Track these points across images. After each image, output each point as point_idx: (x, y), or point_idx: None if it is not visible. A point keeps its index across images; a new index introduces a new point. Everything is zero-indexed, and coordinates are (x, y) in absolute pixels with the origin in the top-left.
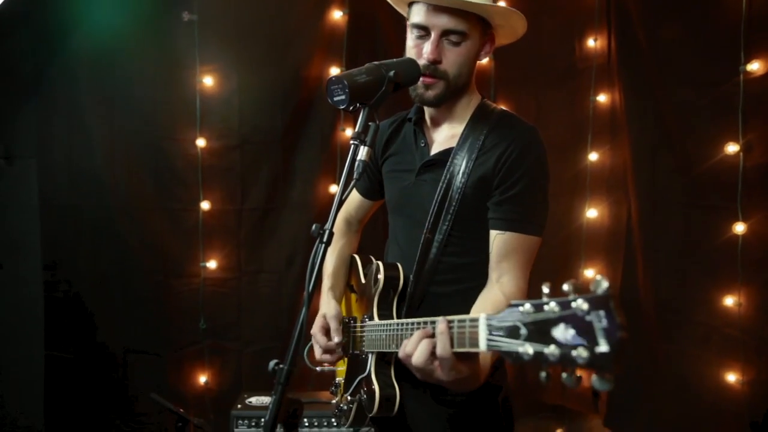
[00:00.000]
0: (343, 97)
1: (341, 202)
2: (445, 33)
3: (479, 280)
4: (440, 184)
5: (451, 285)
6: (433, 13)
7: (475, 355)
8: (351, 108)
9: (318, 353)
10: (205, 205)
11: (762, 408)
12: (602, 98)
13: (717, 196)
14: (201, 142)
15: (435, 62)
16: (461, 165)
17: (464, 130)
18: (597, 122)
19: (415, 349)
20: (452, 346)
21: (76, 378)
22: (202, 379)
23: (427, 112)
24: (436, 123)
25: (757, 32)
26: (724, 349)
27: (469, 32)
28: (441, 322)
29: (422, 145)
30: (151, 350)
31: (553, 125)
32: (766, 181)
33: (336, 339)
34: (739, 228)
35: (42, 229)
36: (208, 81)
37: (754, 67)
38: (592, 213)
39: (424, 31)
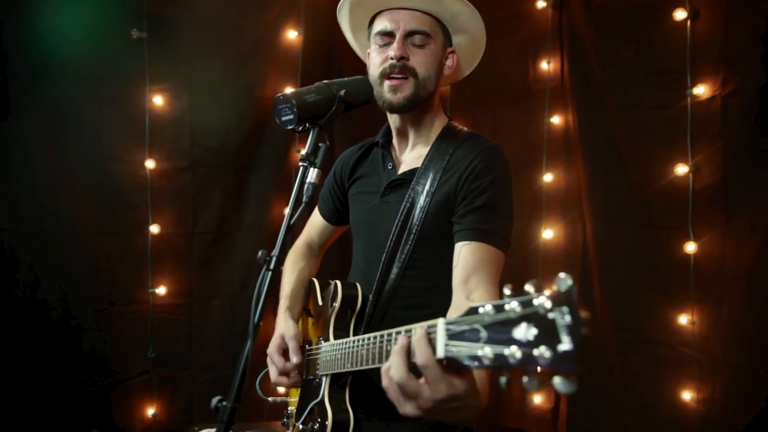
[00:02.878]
0: (291, 116)
1: (289, 227)
2: (408, 34)
3: (439, 307)
4: (403, 203)
5: (411, 310)
6: (396, 17)
7: (465, 368)
8: (300, 128)
9: (273, 375)
10: (154, 229)
11: (717, 426)
12: (556, 120)
13: (669, 216)
14: (150, 164)
15: (402, 58)
16: (425, 184)
17: (430, 150)
18: (551, 143)
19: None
20: (411, 355)
21: (8, 415)
22: (150, 411)
23: (395, 131)
24: (404, 144)
25: (701, 58)
26: (680, 367)
27: (432, 34)
28: (418, 329)
29: (389, 167)
30: (95, 382)
31: (509, 146)
32: (714, 201)
33: (294, 360)
34: (691, 247)
35: None
36: (158, 100)
37: (700, 91)
38: (548, 234)
39: (388, 37)
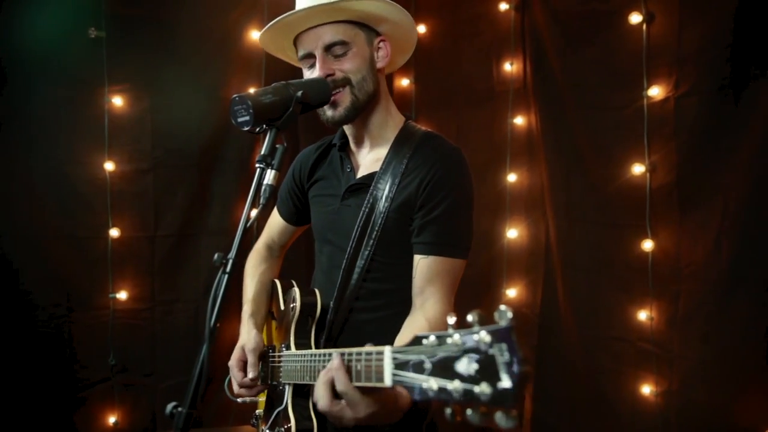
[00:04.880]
0: (247, 118)
1: (246, 230)
2: (326, 49)
3: (402, 307)
4: (363, 208)
5: (373, 312)
6: (310, 37)
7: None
8: (257, 129)
9: (235, 388)
10: (114, 233)
11: (674, 418)
12: (519, 120)
13: (627, 214)
14: (109, 166)
15: (328, 75)
16: (385, 189)
17: (388, 153)
18: (515, 144)
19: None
20: (353, 380)
21: None
22: (112, 419)
23: (350, 136)
24: (361, 146)
25: (656, 60)
26: (639, 362)
27: (349, 40)
28: (335, 358)
29: (348, 170)
30: (54, 391)
31: (473, 147)
32: (670, 200)
33: (251, 375)
34: (648, 245)
35: None
36: (118, 101)
37: (654, 92)
38: (512, 233)
39: (311, 58)
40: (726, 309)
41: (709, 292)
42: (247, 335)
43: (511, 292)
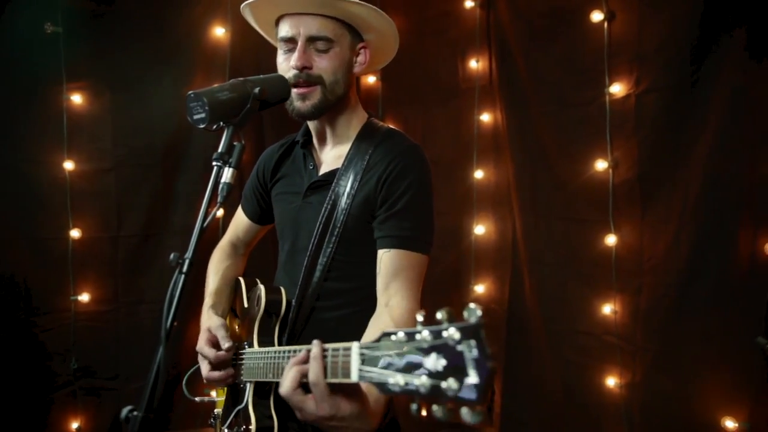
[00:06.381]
0: (203, 115)
1: (203, 229)
2: (310, 40)
3: (364, 305)
4: (325, 205)
5: (336, 310)
6: (297, 23)
7: (357, 392)
8: (214, 127)
9: (205, 371)
10: (75, 233)
11: (637, 409)
12: (485, 117)
13: (591, 210)
14: (69, 165)
15: (305, 68)
16: (346, 186)
17: (350, 149)
18: (481, 141)
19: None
20: (326, 375)
21: None
22: (75, 425)
23: (314, 132)
24: (323, 143)
25: (617, 57)
26: (604, 355)
27: (335, 39)
28: (316, 346)
29: (311, 167)
30: (13, 398)
31: (440, 144)
32: (632, 195)
33: (225, 345)
34: (611, 240)
35: None
36: (77, 98)
37: (616, 89)
38: (479, 230)
39: (291, 43)
40: (685, 301)
41: (669, 285)
42: (210, 320)
43: (479, 288)
